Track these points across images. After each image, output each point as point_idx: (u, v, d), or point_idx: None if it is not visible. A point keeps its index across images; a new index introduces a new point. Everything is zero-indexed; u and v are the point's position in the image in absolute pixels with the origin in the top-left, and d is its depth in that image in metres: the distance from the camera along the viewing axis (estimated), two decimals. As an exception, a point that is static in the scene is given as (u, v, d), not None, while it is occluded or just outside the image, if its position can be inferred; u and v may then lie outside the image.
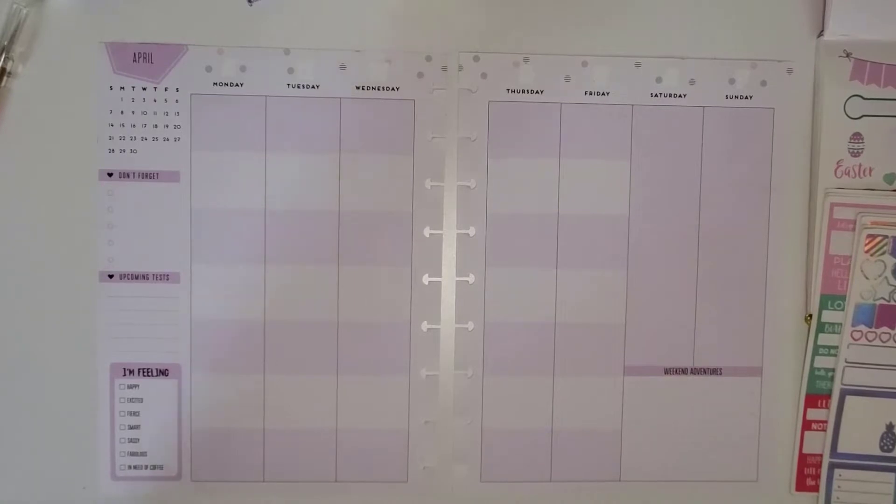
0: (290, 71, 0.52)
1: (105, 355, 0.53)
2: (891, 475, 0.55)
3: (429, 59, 0.52)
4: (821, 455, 0.55)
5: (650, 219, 0.54)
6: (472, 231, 0.53)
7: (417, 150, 0.53)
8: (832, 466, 0.55)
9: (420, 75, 0.53)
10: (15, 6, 0.50)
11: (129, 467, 0.53)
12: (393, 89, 0.53)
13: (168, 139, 0.52)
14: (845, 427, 0.54)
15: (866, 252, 0.53)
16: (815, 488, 0.55)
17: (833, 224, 0.53)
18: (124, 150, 0.52)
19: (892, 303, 0.53)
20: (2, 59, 0.50)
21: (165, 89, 0.52)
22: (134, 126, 0.52)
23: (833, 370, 0.54)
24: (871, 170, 0.53)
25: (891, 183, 0.54)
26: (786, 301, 0.54)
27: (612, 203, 0.54)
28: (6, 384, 0.52)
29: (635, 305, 0.54)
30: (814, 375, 0.54)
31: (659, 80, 0.53)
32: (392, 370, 0.54)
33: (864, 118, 0.53)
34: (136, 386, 0.53)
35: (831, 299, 0.54)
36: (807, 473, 0.55)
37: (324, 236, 0.53)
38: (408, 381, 0.54)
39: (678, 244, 0.54)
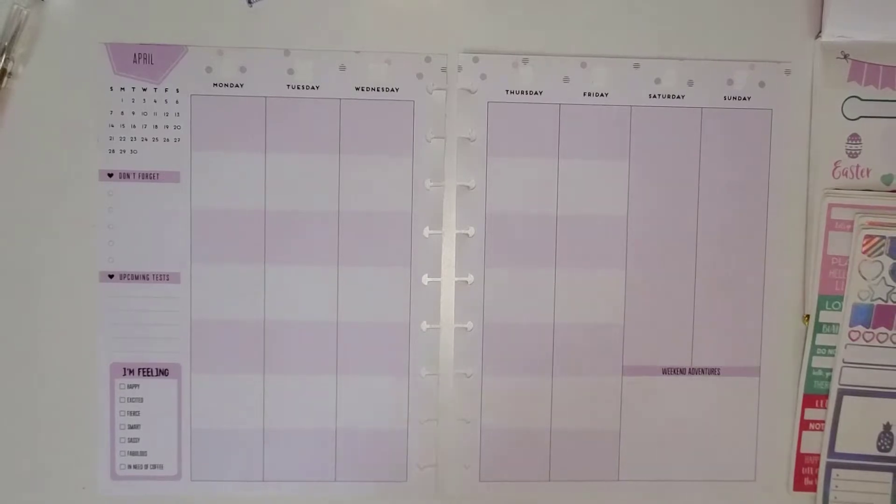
0: (290, 72, 0.52)
1: (105, 355, 0.53)
2: (888, 475, 0.55)
3: (428, 59, 0.53)
4: (818, 455, 0.55)
5: (649, 219, 0.54)
6: (471, 231, 0.53)
7: (417, 150, 0.53)
8: (830, 466, 0.55)
9: (419, 76, 0.53)
10: (15, 7, 0.50)
11: (129, 467, 0.53)
12: (392, 90, 0.53)
13: (168, 140, 0.52)
14: (843, 427, 0.54)
15: (864, 252, 0.53)
16: (813, 488, 0.55)
17: (831, 224, 0.53)
18: (124, 151, 0.52)
19: (890, 303, 0.53)
20: (2, 60, 0.50)
21: (165, 90, 0.52)
22: (134, 126, 0.52)
23: (831, 370, 0.54)
24: (868, 171, 0.54)
25: (888, 184, 0.54)
26: (784, 301, 0.55)
27: (610, 203, 0.54)
28: (6, 384, 0.53)
29: (634, 305, 0.54)
30: (811, 375, 0.55)
31: (657, 80, 0.53)
32: (392, 370, 0.54)
33: (862, 119, 0.53)
34: (136, 386, 0.53)
35: (829, 300, 0.54)
36: (804, 473, 0.55)
37: (323, 236, 0.53)
38: (407, 380, 0.54)
39: (676, 245, 0.54)
